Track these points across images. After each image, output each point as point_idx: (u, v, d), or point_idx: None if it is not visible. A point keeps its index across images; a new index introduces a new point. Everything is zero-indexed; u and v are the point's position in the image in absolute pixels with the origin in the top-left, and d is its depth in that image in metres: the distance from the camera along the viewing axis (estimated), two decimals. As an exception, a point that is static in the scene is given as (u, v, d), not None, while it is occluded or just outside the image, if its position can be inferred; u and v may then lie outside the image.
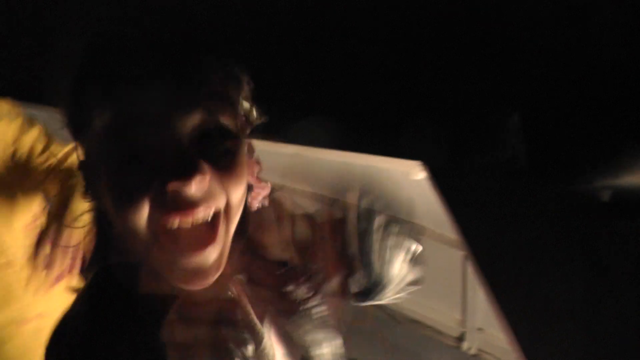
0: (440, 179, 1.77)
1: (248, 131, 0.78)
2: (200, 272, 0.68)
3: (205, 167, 0.65)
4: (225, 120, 0.69)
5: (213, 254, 0.69)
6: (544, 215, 1.68)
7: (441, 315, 2.55)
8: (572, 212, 1.73)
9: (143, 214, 0.65)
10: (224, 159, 0.69)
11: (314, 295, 0.89)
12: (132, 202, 0.65)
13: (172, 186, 0.63)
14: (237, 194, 0.70)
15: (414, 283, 0.98)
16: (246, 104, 0.77)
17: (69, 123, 0.74)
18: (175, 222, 0.65)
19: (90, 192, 0.76)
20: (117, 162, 0.66)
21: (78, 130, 0.72)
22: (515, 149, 2.49)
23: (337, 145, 1.50)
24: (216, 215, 0.69)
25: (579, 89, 1.26)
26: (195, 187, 0.64)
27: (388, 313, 2.70)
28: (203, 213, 0.66)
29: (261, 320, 0.82)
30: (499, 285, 1.38)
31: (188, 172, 0.63)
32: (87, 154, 0.74)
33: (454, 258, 2.28)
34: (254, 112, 0.79)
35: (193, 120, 0.66)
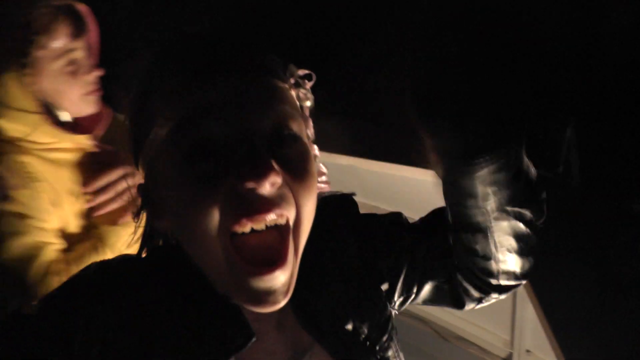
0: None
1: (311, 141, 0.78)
2: (270, 295, 0.67)
3: (279, 170, 0.65)
4: (295, 127, 0.69)
5: (283, 276, 0.67)
6: (601, 234, 1.64)
7: (489, 334, 2.51)
8: (629, 230, 1.69)
9: (214, 218, 0.64)
10: (295, 164, 0.69)
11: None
12: (203, 205, 0.64)
13: (247, 184, 0.63)
14: (308, 206, 0.70)
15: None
16: (309, 115, 0.79)
17: (135, 142, 0.74)
18: (248, 225, 0.65)
19: (149, 212, 0.76)
20: (187, 162, 0.65)
21: (142, 142, 0.72)
22: (569, 165, 2.43)
23: (383, 157, 1.51)
24: (286, 228, 0.68)
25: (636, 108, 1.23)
26: (269, 187, 0.64)
27: (434, 329, 2.67)
28: (275, 217, 0.66)
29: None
30: (551, 306, 1.36)
31: (263, 171, 0.63)
32: (148, 171, 0.73)
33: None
34: (311, 127, 0.80)
35: (267, 121, 0.67)
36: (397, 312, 0.94)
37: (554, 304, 1.38)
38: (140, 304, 0.72)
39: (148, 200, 0.76)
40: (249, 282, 0.66)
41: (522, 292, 2.17)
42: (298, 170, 0.68)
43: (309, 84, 0.78)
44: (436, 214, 0.97)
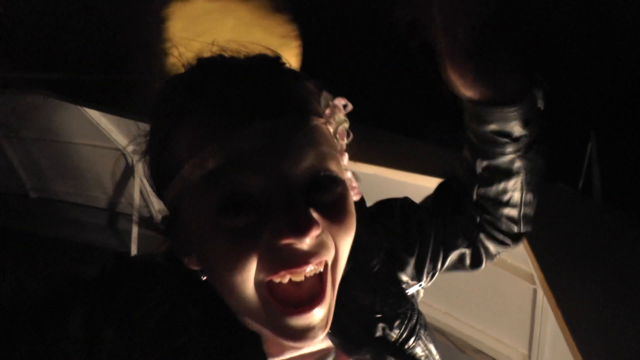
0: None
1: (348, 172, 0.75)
2: (308, 332, 0.64)
3: (319, 218, 0.61)
4: (333, 166, 0.65)
5: (321, 313, 0.64)
6: (624, 248, 1.63)
7: (506, 348, 2.49)
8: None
9: (250, 271, 0.61)
10: (334, 208, 0.64)
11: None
12: (238, 260, 0.60)
13: (286, 241, 0.59)
14: (346, 245, 0.66)
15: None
16: (344, 144, 0.75)
17: (156, 172, 0.70)
18: (286, 277, 0.62)
19: (178, 249, 0.70)
20: (219, 214, 0.60)
21: (166, 181, 0.67)
22: (590, 178, 2.41)
23: (408, 168, 1.51)
24: (324, 272, 0.65)
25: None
26: (309, 241, 0.60)
27: (452, 341, 2.66)
28: (314, 267, 0.62)
29: None
30: (574, 319, 1.35)
31: (303, 226, 0.58)
32: (174, 208, 0.68)
33: (524, 291, 2.23)
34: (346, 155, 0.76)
35: (303, 167, 0.62)
36: (425, 287, 0.96)
37: (577, 317, 1.38)
38: (166, 319, 0.69)
39: (173, 235, 0.70)
40: (287, 321, 0.63)
41: (541, 307, 2.16)
42: (338, 214, 0.64)
43: (344, 111, 0.74)
44: (443, 188, 0.98)
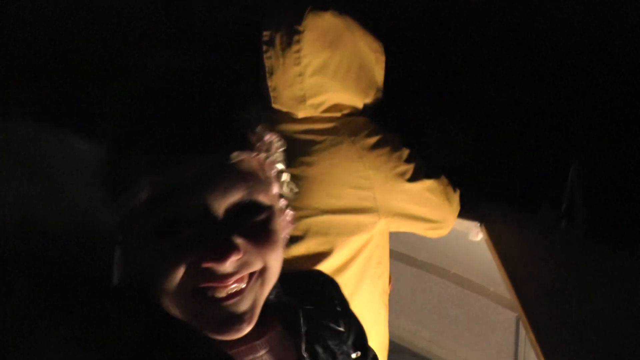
0: (497, 241, 1.74)
1: (281, 199, 0.81)
2: (232, 320, 0.71)
3: (241, 243, 0.69)
4: (259, 197, 0.72)
5: (246, 302, 0.72)
6: (604, 282, 1.63)
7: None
8: (633, 281, 1.67)
9: (175, 281, 0.69)
10: (260, 230, 0.72)
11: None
12: (166, 271, 0.68)
13: (207, 264, 0.67)
14: (274, 260, 0.74)
15: None
16: (285, 177, 0.81)
17: (110, 184, 0.75)
18: (209, 291, 0.69)
19: (124, 252, 0.78)
20: (153, 235, 0.69)
21: (118, 193, 0.73)
22: (572, 203, 2.40)
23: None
24: (250, 277, 0.72)
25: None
26: (229, 265, 0.68)
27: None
28: (237, 282, 0.70)
29: None
30: (551, 349, 1.35)
31: (223, 252, 0.67)
32: (124, 219, 0.74)
33: (507, 319, 2.22)
34: (288, 186, 0.82)
35: (229, 197, 0.69)
36: None
37: (557, 350, 1.37)
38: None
39: (123, 243, 0.78)
40: (211, 310, 0.70)
41: (524, 335, 2.15)
42: (262, 234, 0.72)
43: (278, 146, 0.80)
44: None
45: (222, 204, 0.68)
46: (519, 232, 1.79)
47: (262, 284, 0.74)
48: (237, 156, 0.70)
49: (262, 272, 0.73)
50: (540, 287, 1.58)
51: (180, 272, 0.68)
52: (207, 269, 0.68)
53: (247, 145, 0.73)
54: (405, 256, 2.51)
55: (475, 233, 1.84)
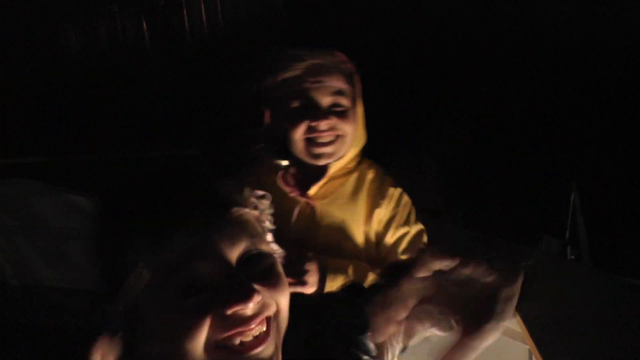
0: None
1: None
2: None
3: (258, 287, 0.75)
4: (262, 245, 0.81)
5: (269, 348, 0.77)
6: (614, 310, 1.62)
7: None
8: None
9: (202, 338, 0.73)
10: (269, 275, 0.79)
11: None
12: (191, 330, 0.72)
13: (233, 310, 0.73)
14: (284, 301, 0.80)
15: None
16: (269, 226, 0.89)
17: (110, 275, 0.79)
18: (236, 339, 0.74)
19: (133, 338, 0.79)
20: (176, 296, 0.73)
21: (122, 280, 0.77)
22: (576, 229, 2.40)
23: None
24: (268, 322, 0.77)
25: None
26: (252, 306, 0.74)
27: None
28: (259, 325, 0.75)
29: None
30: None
31: (246, 295, 0.73)
32: (130, 302, 0.77)
33: (519, 351, 2.20)
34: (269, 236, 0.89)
35: (239, 249, 0.77)
36: None
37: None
38: None
39: (126, 326, 0.79)
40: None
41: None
42: (272, 279, 0.79)
43: (265, 202, 0.88)
44: None
45: (233, 255, 0.76)
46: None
47: (278, 327, 0.80)
48: (236, 212, 0.79)
49: (276, 315, 0.79)
50: (550, 319, 1.57)
51: (206, 325, 0.72)
52: (232, 315, 0.73)
53: (241, 204, 0.81)
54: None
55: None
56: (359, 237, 1.59)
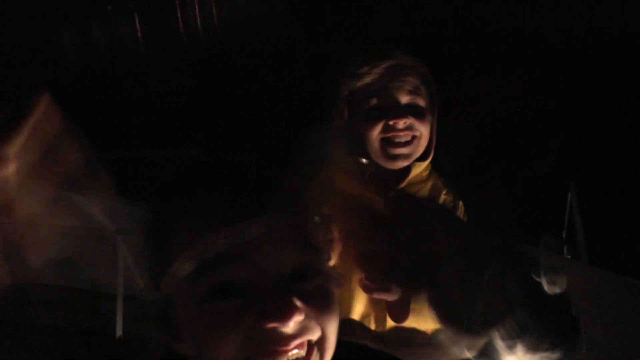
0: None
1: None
2: None
3: (301, 306, 0.66)
4: (312, 259, 0.71)
5: None
6: (616, 305, 1.63)
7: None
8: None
9: (232, 346, 0.65)
10: (316, 296, 0.69)
11: None
12: (224, 339, 0.65)
13: (269, 325, 0.64)
14: (331, 328, 0.71)
15: None
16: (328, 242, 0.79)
17: (153, 265, 0.75)
18: (269, 358, 0.65)
19: (167, 332, 0.75)
20: (207, 300, 0.67)
21: (163, 272, 0.72)
22: (573, 229, 2.41)
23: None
24: (310, 347, 0.68)
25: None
26: (292, 325, 0.65)
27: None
28: (298, 348, 0.66)
29: None
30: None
31: (286, 312, 0.64)
32: (168, 297, 0.73)
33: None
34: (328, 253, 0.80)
35: (284, 259, 0.68)
36: None
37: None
38: None
39: (166, 321, 0.75)
40: None
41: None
42: (320, 301, 0.69)
43: (328, 219, 0.78)
44: None
45: (280, 266, 0.68)
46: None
47: (320, 355, 0.70)
48: (287, 219, 0.70)
49: (320, 341, 0.70)
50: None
51: (238, 336, 0.65)
52: (268, 330, 0.65)
53: (296, 209, 0.72)
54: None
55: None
56: None
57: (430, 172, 1.59)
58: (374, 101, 1.47)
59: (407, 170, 1.52)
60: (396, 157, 1.47)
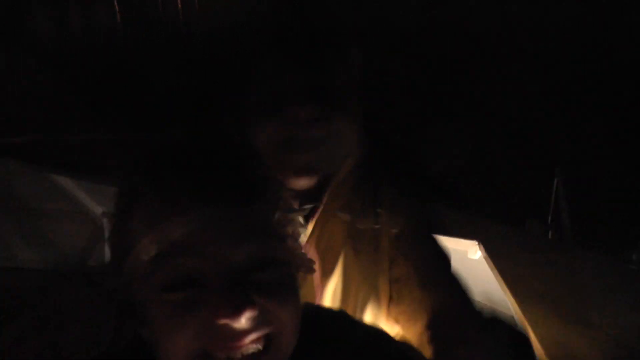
0: (495, 256, 1.77)
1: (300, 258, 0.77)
2: None
3: (257, 299, 0.64)
4: (276, 252, 0.68)
5: None
6: (603, 286, 1.66)
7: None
8: (624, 284, 1.71)
9: (189, 343, 0.64)
10: (275, 288, 0.67)
11: None
12: (174, 329, 0.64)
13: (221, 321, 0.62)
14: (289, 320, 0.68)
15: None
16: (302, 235, 0.77)
17: (115, 247, 0.74)
18: (223, 353, 0.64)
19: (134, 318, 0.73)
20: (162, 290, 0.65)
21: (125, 255, 0.70)
22: (559, 214, 2.45)
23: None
24: (265, 344, 0.66)
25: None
26: (244, 322, 0.63)
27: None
28: (254, 343, 0.65)
29: None
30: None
31: (238, 308, 0.62)
32: (131, 280, 0.71)
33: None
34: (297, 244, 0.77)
35: (243, 252, 0.65)
36: None
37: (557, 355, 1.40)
38: None
39: (131, 306, 0.73)
40: None
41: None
42: (278, 293, 0.67)
43: (294, 203, 0.76)
44: None
45: (236, 256, 0.65)
46: (515, 246, 1.82)
47: (279, 348, 0.68)
48: (248, 206, 0.67)
49: (278, 335, 0.67)
50: (541, 298, 1.60)
51: (190, 330, 0.63)
52: (221, 325, 0.63)
53: (260, 197, 0.69)
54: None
55: (474, 251, 1.86)
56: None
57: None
58: None
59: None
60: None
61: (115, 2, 12.39)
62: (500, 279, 1.67)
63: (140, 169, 0.71)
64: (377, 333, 0.90)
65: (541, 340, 1.44)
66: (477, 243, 1.84)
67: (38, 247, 3.57)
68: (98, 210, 2.87)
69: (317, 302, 1.04)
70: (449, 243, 1.58)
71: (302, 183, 1.01)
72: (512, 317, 1.61)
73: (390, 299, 1.09)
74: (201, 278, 0.64)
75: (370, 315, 1.11)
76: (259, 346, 0.65)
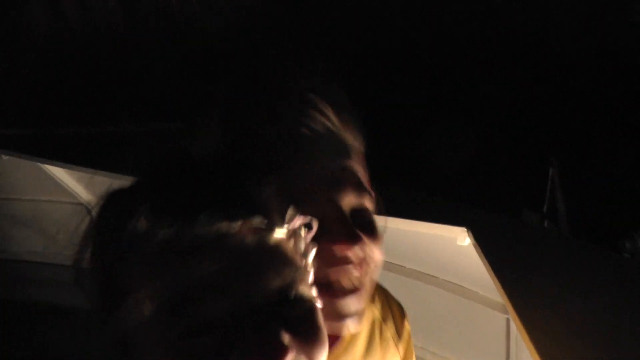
0: (484, 244, 1.76)
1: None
2: None
3: (289, 339, 0.57)
4: (299, 285, 0.61)
5: None
6: (592, 276, 1.66)
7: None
8: (616, 275, 1.70)
9: None
10: (305, 326, 0.60)
11: None
12: None
13: None
14: (319, 356, 0.61)
15: None
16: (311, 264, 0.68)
17: (103, 291, 0.64)
18: None
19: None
20: (184, 339, 0.56)
21: (115, 307, 0.60)
22: (554, 204, 2.45)
23: (387, 212, 1.50)
24: None
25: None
26: None
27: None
28: None
29: None
30: (545, 346, 1.36)
31: (273, 354, 0.55)
32: (124, 330, 0.61)
33: (498, 321, 2.24)
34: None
35: (270, 288, 0.58)
36: None
37: (551, 347, 1.39)
38: None
39: (126, 349, 0.63)
40: None
41: (515, 336, 2.17)
42: (306, 331, 0.60)
43: (309, 233, 0.67)
44: None
45: (259, 293, 0.57)
46: (505, 234, 1.81)
47: None
48: (269, 237, 0.60)
49: None
50: (529, 286, 1.60)
51: None
52: None
53: (278, 226, 0.62)
54: (392, 265, 2.52)
55: (463, 238, 1.86)
56: None
57: None
58: None
59: None
60: None
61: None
62: (488, 265, 1.67)
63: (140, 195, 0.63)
64: None
65: (529, 330, 1.43)
66: (465, 230, 1.84)
67: (31, 238, 3.57)
68: (93, 201, 2.87)
69: None
70: (437, 230, 1.58)
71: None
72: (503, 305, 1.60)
73: None
74: (227, 319, 0.56)
75: None
76: None
